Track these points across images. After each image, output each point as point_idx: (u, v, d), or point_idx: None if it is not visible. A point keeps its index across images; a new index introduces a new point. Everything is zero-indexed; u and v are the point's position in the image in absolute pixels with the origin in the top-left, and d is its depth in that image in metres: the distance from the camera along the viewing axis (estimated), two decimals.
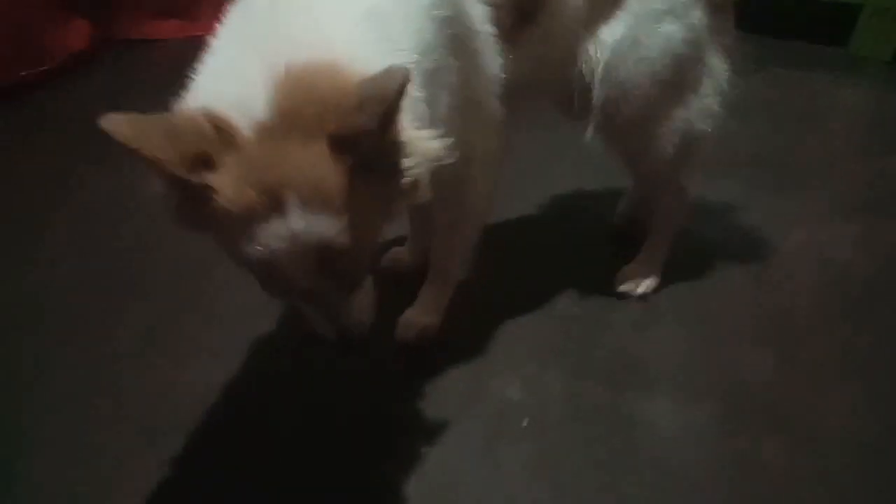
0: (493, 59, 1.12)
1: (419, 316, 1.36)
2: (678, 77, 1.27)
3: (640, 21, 1.22)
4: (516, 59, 1.15)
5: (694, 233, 1.62)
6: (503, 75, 1.14)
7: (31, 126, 2.20)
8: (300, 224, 0.80)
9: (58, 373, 1.34)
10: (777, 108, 2.24)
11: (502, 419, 1.24)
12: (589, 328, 1.43)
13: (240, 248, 0.83)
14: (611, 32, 1.23)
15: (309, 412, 1.26)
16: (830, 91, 2.38)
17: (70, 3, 2.51)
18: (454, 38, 1.02)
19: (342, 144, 0.80)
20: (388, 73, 0.79)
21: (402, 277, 1.46)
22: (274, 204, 0.79)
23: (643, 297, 1.49)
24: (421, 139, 0.86)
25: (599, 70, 1.24)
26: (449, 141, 0.88)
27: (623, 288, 1.50)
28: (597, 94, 1.27)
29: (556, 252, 1.64)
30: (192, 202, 0.81)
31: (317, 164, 0.80)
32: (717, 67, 1.31)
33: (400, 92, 0.77)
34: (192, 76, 0.88)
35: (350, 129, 0.79)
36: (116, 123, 0.76)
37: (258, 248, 0.81)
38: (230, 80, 0.85)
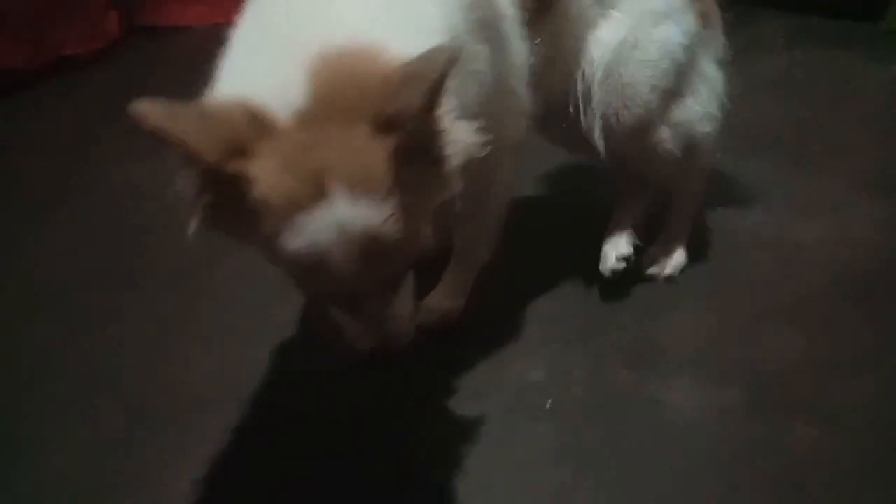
0: (520, 45, 1.12)
1: (443, 299, 1.36)
2: (676, 80, 1.29)
3: (640, 24, 1.24)
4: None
5: (716, 213, 1.61)
6: (532, 59, 1.14)
7: (50, 115, 2.21)
8: (346, 211, 0.77)
9: (58, 372, 1.34)
10: (805, 87, 2.18)
11: (525, 401, 1.24)
12: (611, 311, 1.42)
13: (279, 244, 0.78)
14: (612, 34, 1.25)
15: (322, 400, 1.26)
16: (861, 69, 2.32)
17: None
18: (481, 21, 1.01)
19: (387, 125, 0.77)
20: (436, 51, 0.77)
21: (423, 261, 1.46)
22: (317, 191, 0.76)
23: (670, 277, 1.49)
24: (459, 129, 0.85)
25: (600, 73, 1.26)
26: (483, 133, 0.87)
27: (651, 270, 1.49)
28: (597, 99, 1.28)
29: (578, 235, 1.63)
30: (227, 197, 0.78)
31: (361, 147, 0.78)
32: (712, 75, 1.35)
33: (447, 69, 0.76)
34: (221, 63, 0.88)
35: (396, 107, 0.77)
36: (148, 110, 0.72)
37: (300, 240, 0.77)
38: (262, 67, 0.84)
